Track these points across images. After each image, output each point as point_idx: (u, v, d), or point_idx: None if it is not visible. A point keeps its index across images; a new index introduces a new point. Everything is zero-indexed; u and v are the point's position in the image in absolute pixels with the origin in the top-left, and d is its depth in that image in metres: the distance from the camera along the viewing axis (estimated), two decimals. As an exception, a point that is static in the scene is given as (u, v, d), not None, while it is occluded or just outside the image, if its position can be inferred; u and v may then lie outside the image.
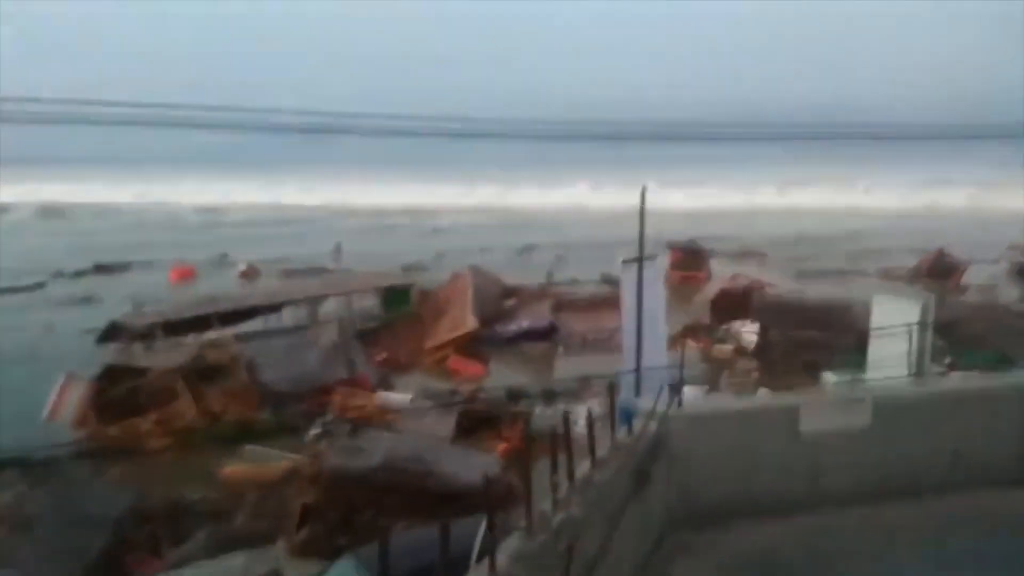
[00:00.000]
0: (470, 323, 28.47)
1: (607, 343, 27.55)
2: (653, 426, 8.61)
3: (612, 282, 37.01)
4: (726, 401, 11.51)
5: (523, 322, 29.98)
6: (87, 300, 36.83)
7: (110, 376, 20.63)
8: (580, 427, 20.93)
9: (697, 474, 9.07)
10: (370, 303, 31.87)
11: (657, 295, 10.20)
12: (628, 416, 8.88)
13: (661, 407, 8.93)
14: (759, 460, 9.32)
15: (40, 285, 40.69)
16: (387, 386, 23.41)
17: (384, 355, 26.57)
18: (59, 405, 19.62)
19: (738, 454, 9.26)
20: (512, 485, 16.12)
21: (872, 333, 13.35)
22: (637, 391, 9.73)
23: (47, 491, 13.47)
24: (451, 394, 21.94)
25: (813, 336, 24.62)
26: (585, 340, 27.85)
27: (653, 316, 10.06)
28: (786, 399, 10.38)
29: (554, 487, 7.06)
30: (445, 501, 14.51)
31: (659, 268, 10.24)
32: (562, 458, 7.24)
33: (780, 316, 26.34)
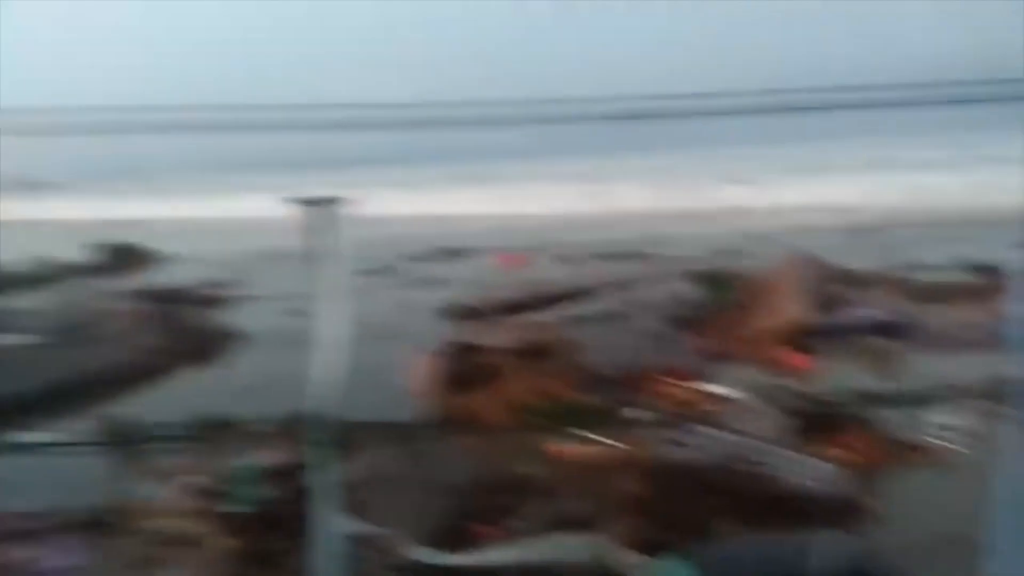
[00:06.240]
0: (798, 312, 26.22)
1: (975, 342, 23.40)
2: None
3: (978, 269, 31.35)
4: None
5: (861, 313, 26.80)
6: (430, 282, 41.31)
7: (452, 352, 22.67)
8: (936, 439, 17.98)
9: None
10: (687, 289, 31.04)
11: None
12: None
13: None
14: None
15: (391, 268, 46.57)
16: (707, 376, 22.45)
17: (703, 343, 25.59)
18: (412, 377, 22.01)
19: None
20: (858, 502, 14.36)
21: None
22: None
23: (402, 456, 15.06)
24: (778, 389, 20.29)
25: None
26: (944, 337, 23.95)
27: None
28: None
29: None
30: (777, 509, 13.40)
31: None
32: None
33: None
